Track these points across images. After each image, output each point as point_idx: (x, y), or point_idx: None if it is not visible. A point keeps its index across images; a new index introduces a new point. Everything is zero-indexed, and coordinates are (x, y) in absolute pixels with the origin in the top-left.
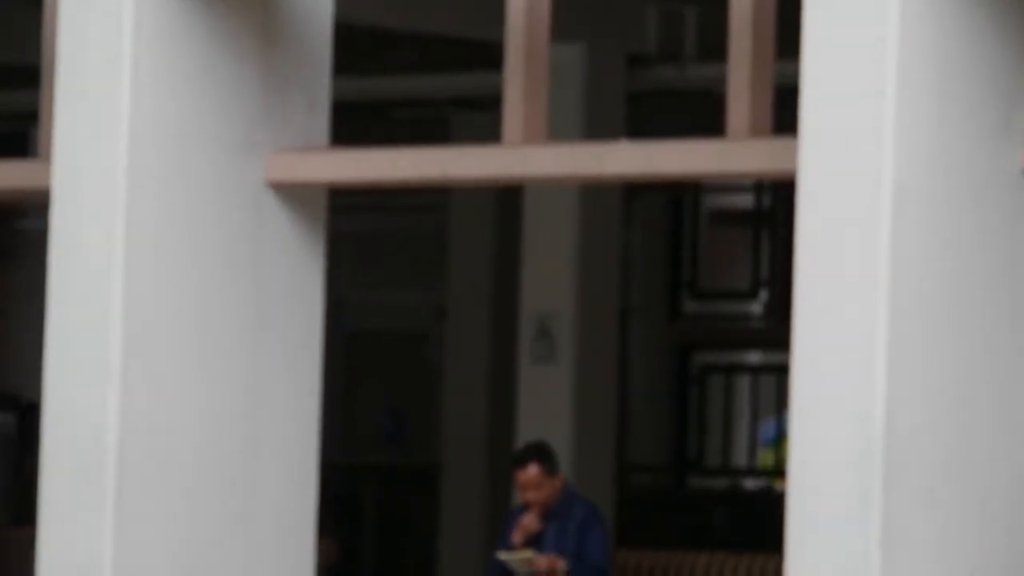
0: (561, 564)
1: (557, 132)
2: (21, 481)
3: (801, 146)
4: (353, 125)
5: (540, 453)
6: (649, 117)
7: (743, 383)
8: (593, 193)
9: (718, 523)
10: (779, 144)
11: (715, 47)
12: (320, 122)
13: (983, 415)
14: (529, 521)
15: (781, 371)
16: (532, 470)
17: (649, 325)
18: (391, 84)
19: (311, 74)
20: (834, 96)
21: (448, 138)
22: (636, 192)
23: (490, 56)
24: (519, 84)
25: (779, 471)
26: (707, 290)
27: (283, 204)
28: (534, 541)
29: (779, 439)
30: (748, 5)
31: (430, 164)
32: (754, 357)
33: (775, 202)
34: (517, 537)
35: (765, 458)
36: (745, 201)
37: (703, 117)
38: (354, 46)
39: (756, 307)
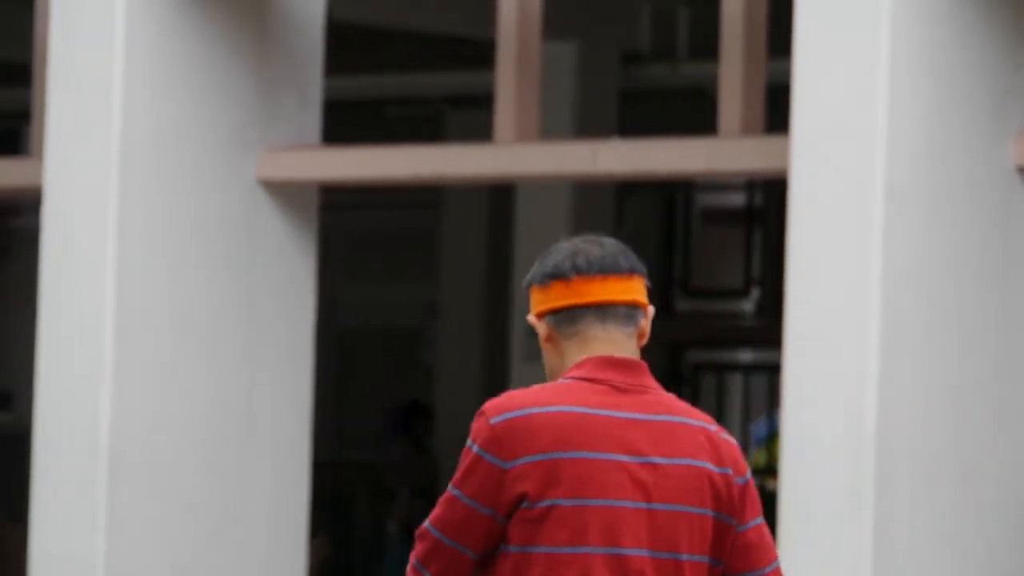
0: None
1: (549, 130)
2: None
3: (793, 144)
4: (346, 123)
5: None
6: (641, 115)
7: (735, 381)
8: (586, 191)
9: None
10: (771, 142)
11: (708, 45)
12: (312, 120)
13: (976, 413)
14: None
15: (773, 370)
16: None
17: None
18: (384, 82)
19: (304, 72)
20: (826, 94)
21: (442, 136)
22: (628, 190)
23: (483, 54)
24: (511, 82)
25: (771, 470)
26: (699, 288)
27: (275, 202)
28: None
29: (771, 438)
30: (740, 4)
31: (422, 162)
32: (746, 355)
33: (767, 200)
34: None
35: (757, 457)
36: (737, 199)
37: (695, 115)
38: (347, 44)
39: (748, 305)
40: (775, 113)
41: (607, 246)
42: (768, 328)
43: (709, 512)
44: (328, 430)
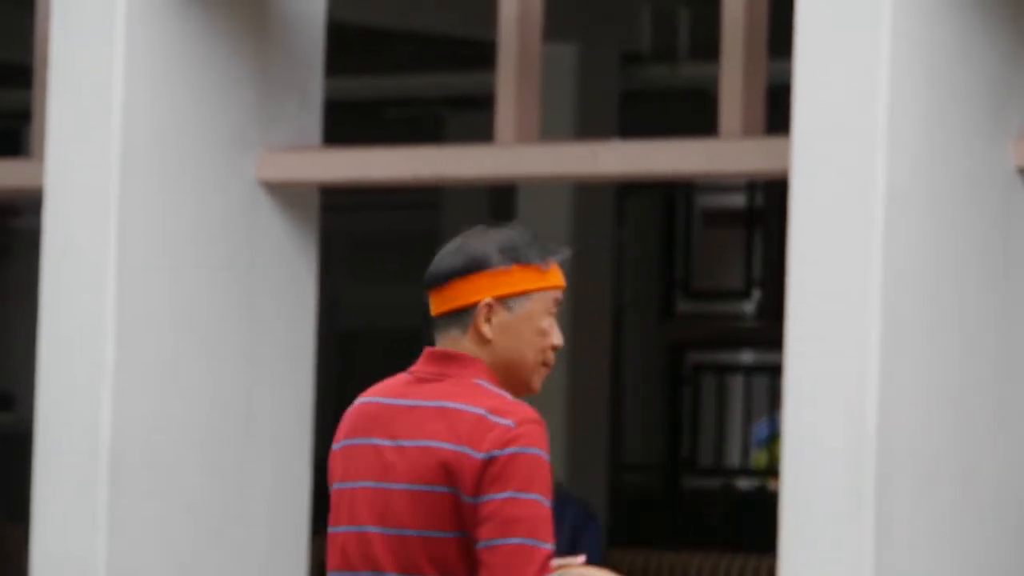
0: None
1: (550, 131)
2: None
3: (793, 145)
4: (346, 124)
5: None
6: (642, 116)
7: (736, 383)
8: (586, 192)
9: (711, 523)
10: (772, 143)
11: (708, 46)
12: (313, 121)
13: (976, 415)
14: None
15: (774, 371)
16: None
17: (642, 324)
18: (384, 83)
19: (304, 73)
20: (826, 95)
21: (442, 137)
22: (629, 191)
23: (484, 55)
24: (511, 83)
25: (772, 471)
26: (700, 289)
27: (275, 203)
28: None
29: (772, 439)
30: (741, 4)
31: (422, 164)
32: (747, 357)
33: (768, 202)
34: None
35: (758, 458)
36: (738, 201)
37: (696, 116)
38: (347, 44)
39: (749, 307)
40: (775, 114)
41: (441, 254)
42: (769, 329)
43: (444, 489)
44: (328, 430)
